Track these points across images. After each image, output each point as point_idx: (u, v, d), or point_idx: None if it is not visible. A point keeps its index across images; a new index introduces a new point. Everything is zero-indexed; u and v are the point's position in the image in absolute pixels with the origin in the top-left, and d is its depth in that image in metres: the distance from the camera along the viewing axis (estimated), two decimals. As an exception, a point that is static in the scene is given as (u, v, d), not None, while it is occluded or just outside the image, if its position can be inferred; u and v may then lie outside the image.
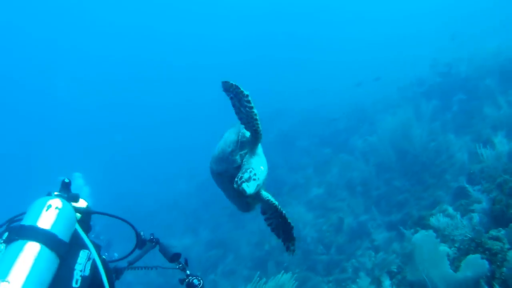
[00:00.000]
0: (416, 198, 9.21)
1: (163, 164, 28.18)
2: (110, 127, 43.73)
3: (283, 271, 7.09)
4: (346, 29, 49.76)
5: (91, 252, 2.50)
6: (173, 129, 40.02)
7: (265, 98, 19.86)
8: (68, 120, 45.26)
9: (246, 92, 2.61)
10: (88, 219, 2.94)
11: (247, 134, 2.89)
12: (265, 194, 2.99)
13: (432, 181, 9.39)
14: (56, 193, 2.69)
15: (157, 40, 56.20)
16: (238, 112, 2.72)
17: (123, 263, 3.11)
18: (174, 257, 3.20)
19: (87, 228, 2.83)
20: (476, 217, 5.74)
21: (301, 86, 30.90)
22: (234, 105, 2.71)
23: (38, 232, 2.22)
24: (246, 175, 2.66)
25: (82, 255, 2.45)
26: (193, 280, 3.07)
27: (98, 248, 2.63)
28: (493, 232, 5.09)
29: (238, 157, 2.86)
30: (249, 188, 2.61)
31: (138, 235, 3.19)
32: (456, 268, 4.75)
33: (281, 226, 3.10)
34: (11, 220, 2.58)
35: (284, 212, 3.04)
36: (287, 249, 3.13)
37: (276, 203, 3.00)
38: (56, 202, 2.42)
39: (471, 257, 4.24)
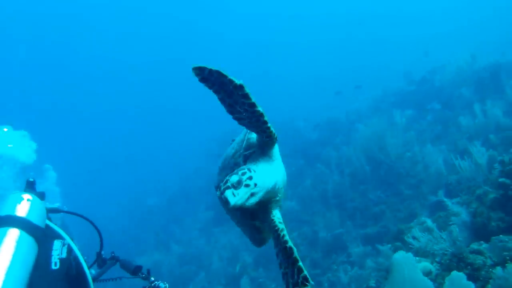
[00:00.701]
0: (393, 210, 9.00)
1: (134, 178, 27.64)
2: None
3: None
4: (321, 36, 50.04)
5: (65, 239, 2.77)
6: (144, 142, 39.27)
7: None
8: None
9: (238, 82, 1.76)
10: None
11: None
12: (276, 214, 2.15)
13: (409, 192, 9.21)
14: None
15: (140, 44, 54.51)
16: (232, 112, 1.89)
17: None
18: (136, 270, 3.29)
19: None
20: (455, 229, 5.52)
21: (272, 96, 30.63)
22: (223, 101, 1.85)
23: (15, 219, 2.52)
24: (234, 178, 1.82)
25: (57, 243, 2.70)
26: (159, 284, 3.16)
27: (71, 236, 2.89)
28: (474, 246, 4.99)
29: (241, 159, 2.15)
30: (235, 197, 1.78)
31: (99, 255, 3.33)
32: (439, 285, 4.57)
33: (283, 256, 2.04)
34: None
35: (287, 240, 2.03)
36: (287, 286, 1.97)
37: (281, 227, 2.10)
38: (26, 196, 2.74)
39: (455, 275, 3.96)
